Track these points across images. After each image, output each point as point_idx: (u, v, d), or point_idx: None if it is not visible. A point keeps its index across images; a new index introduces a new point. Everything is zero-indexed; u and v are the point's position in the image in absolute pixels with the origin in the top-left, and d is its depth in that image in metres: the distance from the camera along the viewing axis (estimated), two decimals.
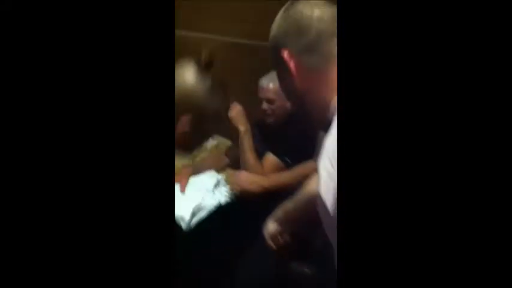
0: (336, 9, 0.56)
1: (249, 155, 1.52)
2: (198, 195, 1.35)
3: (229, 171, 1.52)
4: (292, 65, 0.66)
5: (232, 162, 1.59)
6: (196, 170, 1.54)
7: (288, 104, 1.53)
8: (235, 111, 1.57)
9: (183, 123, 1.38)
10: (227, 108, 1.60)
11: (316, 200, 0.60)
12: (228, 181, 1.44)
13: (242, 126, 1.55)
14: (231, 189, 1.40)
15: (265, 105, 1.59)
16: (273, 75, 1.54)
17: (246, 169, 1.50)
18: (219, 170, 1.55)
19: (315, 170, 0.92)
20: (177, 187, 1.35)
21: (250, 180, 1.43)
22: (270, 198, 1.31)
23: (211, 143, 1.88)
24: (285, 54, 0.66)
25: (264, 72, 1.62)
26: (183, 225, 1.28)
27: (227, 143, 1.80)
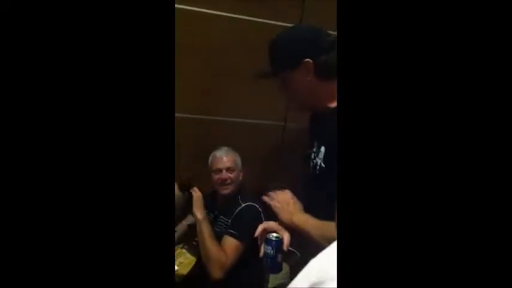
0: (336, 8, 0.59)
1: (209, 244, 1.47)
2: None
3: None
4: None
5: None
6: None
7: (240, 174, 1.64)
8: (195, 196, 1.53)
9: None
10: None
11: None
12: None
13: (199, 214, 1.50)
14: None
15: (225, 175, 1.60)
16: (223, 149, 1.68)
17: (207, 258, 1.46)
18: None
19: None
20: None
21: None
22: None
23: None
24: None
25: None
26: None
27: (191, 259, 1.67)
